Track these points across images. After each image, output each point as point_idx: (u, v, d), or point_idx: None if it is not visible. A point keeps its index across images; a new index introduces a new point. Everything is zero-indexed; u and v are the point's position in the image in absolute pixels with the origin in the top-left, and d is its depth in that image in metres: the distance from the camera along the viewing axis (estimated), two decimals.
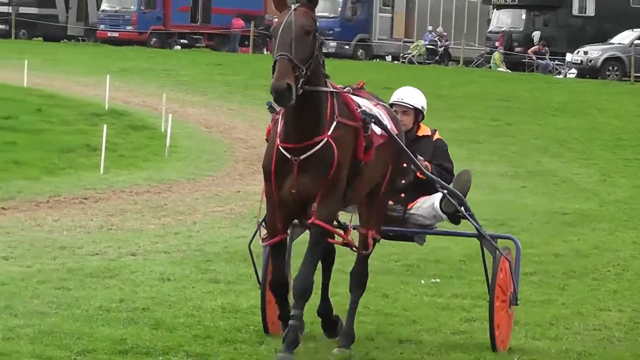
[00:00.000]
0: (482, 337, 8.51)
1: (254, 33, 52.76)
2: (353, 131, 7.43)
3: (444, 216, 8.42)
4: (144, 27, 54.31)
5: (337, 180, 7.30)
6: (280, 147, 7.27)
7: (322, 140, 7.19)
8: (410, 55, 50.44)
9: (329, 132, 7.23)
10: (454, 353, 8.24)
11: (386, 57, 54.37)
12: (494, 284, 8.12)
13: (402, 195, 8.39)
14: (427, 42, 51.22)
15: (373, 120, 7.54)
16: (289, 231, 7.72)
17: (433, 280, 11.15)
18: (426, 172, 8.04)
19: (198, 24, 56.30)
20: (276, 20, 7.19)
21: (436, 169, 8.36)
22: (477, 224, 8.33)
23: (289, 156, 7.23)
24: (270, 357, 7.60)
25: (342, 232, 7.84)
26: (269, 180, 7.38)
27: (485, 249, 8.39)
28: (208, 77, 36.61)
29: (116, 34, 53.84)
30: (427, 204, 8.40)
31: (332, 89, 7.38)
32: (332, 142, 7.20)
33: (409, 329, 8.90)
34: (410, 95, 8.64)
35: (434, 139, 8.68)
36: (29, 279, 9.74)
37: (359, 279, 8.14)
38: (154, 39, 54.44)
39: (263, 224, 7.77)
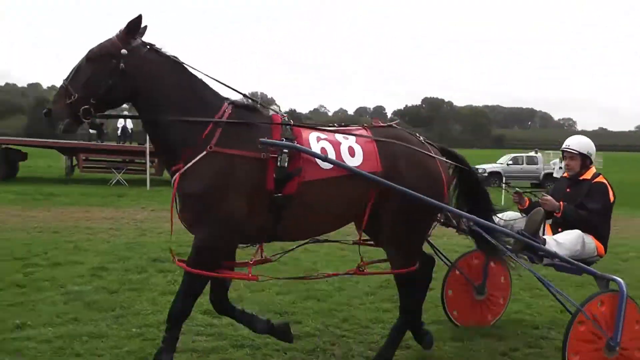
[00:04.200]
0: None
1: None
2: (245, 161, 5.39)
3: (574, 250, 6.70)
4: None
5: (206, 210, 5.33)
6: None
7: (179, 169, 5.41)
8: None
9: (191, 163, 5.34)
10: None
11: None
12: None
13: None
14: None
15: (284, 150, 5.49)
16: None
17: None
18: (461, 213, 6.21)
19: None
20: None
21: (570, 207, 6.92)
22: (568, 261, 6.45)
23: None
24: None
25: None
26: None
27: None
28: None
29: None
30: (561, 237, 6.80)
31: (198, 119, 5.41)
32: (188, 173, 5.34)
33: None
34: (576, 142, 7.29)
35: (593, 181, 7.13)
36: None
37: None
38: None
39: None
